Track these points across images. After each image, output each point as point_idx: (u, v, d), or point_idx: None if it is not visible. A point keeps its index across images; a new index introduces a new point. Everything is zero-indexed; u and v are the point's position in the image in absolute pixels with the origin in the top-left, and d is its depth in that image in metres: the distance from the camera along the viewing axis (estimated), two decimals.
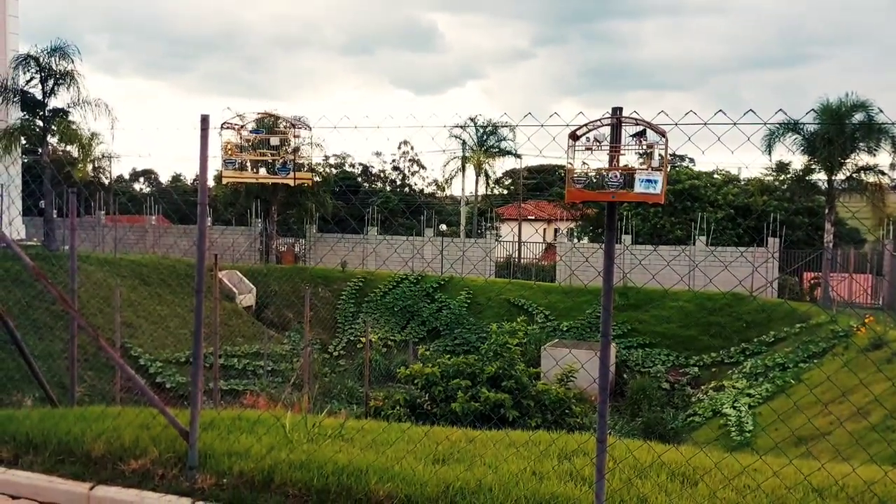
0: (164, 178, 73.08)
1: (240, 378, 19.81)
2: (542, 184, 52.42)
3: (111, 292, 18.23)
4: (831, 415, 12.14)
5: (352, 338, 25.98)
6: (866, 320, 17.93)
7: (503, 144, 41.57)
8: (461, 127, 40.79)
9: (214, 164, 5.09)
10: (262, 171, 5.37)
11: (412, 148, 61.84)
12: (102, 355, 15.73)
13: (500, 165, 45.21)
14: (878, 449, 9.03)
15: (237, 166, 5.05)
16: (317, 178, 36.16)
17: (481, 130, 41.38)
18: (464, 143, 41.61)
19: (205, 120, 4.52)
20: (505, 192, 57.17)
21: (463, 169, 41.91)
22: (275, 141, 4.84)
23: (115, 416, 5.67)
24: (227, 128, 5.00)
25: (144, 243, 34.07)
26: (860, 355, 15.72)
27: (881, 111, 21.01)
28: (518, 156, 41.59)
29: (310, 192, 33.34)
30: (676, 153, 46.34)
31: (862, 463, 5.18)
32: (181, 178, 68.63)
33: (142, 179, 73.17)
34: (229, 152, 4.80)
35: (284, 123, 5.25)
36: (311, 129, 4.93)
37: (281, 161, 4.76)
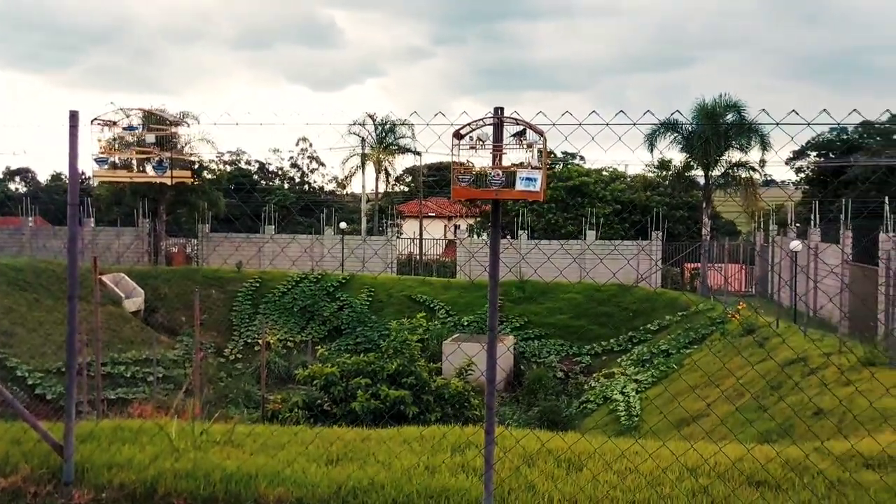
0: (43, 176, 68.45)
1: (129, 386, 18.87)
2: (441, 181, 52.89)
3: None
4: (709, 398, 12.96)
5: (249, 340, 25.27)
6: (739, 307, 19.25)
7: (402, 142, 41.66)
8: (360, 124, 40.54)
9: (90, 163, 4.84)
10: (149, 169, 5.13)
11: (311, 145, 60.80)
12: None
13: (401, 163, 45.26)
14: (749, 428, 9.73)
15: (115, 164, 4.81)
16: (207, 176, 34.89)
17: (380, 128, 41.27)
18: (363, 140, 41.36)
19: (73, 116, 4.28)
20: (406, 189, 57.25)
21: (363, 166, 41.65)
22: (150, 138, 4.64)
23: None
24: (102, 124, 4.75)
25: (18, 245, 31.76)
26: (734, 341, 16.85)
27: (766, 111, 22.55)
28: (417, 153, 41.78)
29: (201, 191, 32.14)
30: (568, 151, 47.93)
31: (729, 441, 5.57)
32: (62, 176, 64.43)
33: (17, 178, 68.17)
34: (102, 150, 4.56)
35: (166, 119, 5.04)
36: (188, 125, 4.76)
37: (157, 159, 4.57)
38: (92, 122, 4.48)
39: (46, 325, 20.52)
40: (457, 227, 48.58)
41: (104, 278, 24.37)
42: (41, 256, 27.95)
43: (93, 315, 9.93)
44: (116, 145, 4.82)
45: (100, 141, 4.57)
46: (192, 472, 4.46)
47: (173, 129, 4.73)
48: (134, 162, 4.96)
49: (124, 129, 4.54)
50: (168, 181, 4.55)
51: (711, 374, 14.52)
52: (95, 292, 9.00)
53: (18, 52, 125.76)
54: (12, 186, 65.68)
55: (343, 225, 36.33)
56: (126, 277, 25.92)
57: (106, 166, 4.61)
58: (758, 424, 10.15)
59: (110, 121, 4.51)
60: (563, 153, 50.39)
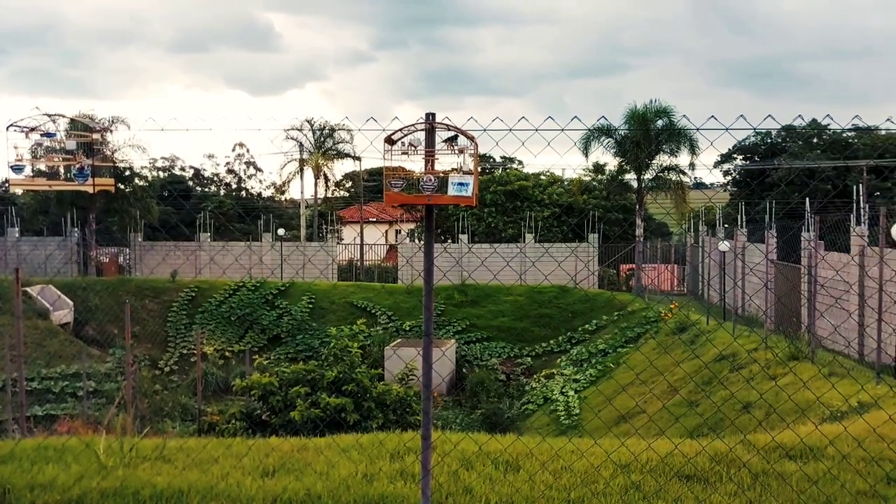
0: None
1: (58, 402, 18.13)
2: (380, 186, 52.64)
3: None
4: (645, 395, 13.30)
5: (185, 351, 24.62)
6: (672, 307, 19.83)
7: (341, 147, 41.30)
8: (297, 129, 40.01)
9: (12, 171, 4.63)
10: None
11: (248, 150, 59.66)
12: None
13: (341, 168, 44.87)
14: (681, 423, 10.02)
15: (39, 171, 4.62)
16: (140, 183, 33.83)
17: (318, 133, 40.83)
18: (301, 145, 40.85)
19: None
20: (346, 194, 56.79)
21: (301, 171, 41.12)
22: (71, 144, 4.47)
23: None
24: (19, 130, 4.55)
25: None
26: (667, 338, 17.35)
27: (687, 117, 23.31)
28: (357, 158, 41.51)
29: (133, 198, 31.14)
30: (507, 156, 48.46)
31: (660, 437, 5.73)
32: None
33: None
34: (17, 157, 4.37)
35: (89, 126, 4.87)
36: (112, 131, 4.62)
37: (77, 166, 4.41)
38: (7, 128, 4.29)
39: None
40: (398, 231, 48.52)
41: (30, 290, 23.32)
42: None
43: (15, 328, 9.48)
44: (37, 152, 4.63)
45: (17, 148, 4.38)
46: (120, 490, 4.32)
47: (97, 136, 4.57)
48: (61, 169, 4.77)
49: (42, 135, 4.36)
50: (90, 189, 4.39)
51: (645, 372, 14.91)
52: (17, 304, 8.59)
53: None
54: None
55: (282, 231, 35.77)
56: (53, 289, 24.88)
57: (23, 174, 4.42)
58: (689, 420, 10.47)
59: (28, 127, 4.33)
60: (501, 157, 50.96)
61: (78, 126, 5.13)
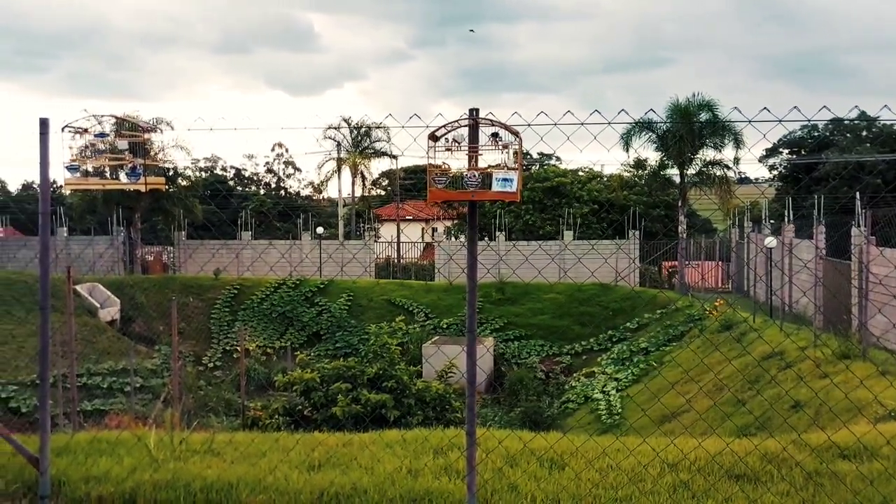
0: (14, 185, 67.26)
1: (106, 397, 18.61)
2: (418, 184, 52.87)
3: None
4: (689, 393, 13.08)
5: (227, 347, 25.05)
6: (717, 304, 19.46)
7: (378, 145, 41.54)
8: (335, 128, 40.36)
9: (61, 171, 4.75)
10: (122, 176, 5.05)
11: (286, 150, 60.44)
12: None
13: (377, 166, 45.15)
14: (729, 422, 9.83)
15: (86, 172, 4.73)
16: (183, 183, 34.52)
17: (355, 132, 41.12)
18: (339, 144, 41.19)
19: (44, 124, 4.21)
20: (382, 192, 57.12)
21: (339, 170, 41.47)
22: (122, 144, 4.58)
23: None
24: (73, 131, 4.68)
25: None
26: (713, 336, 17.03)
27: (738, 109, 22.85)
28: (393, 156, 41.69)
29: (177, 198, 31.80)
30: (544, 152, 48.16)
31: (709, 436, 5.62)
32: (33, 185, 63.37)
33: None
34: (73, 157, 4.49)
35: (138, 126, 4.98)
36: (162, 131, 4.71)
37: (130, 166, 4.51)
38: (63, 129, 4.41)
39: (19, 338, 20.16)
40: (434, 229, 48.59)
41: (78, 288, 23.99)
42: (12, 267, 27.45)
43: (67, 326, 9.77)
44: (88, 153, 4.75)
45: (71, 148, 4.50)
46: (171, 482, 4.40)
47: (146, 136, 4.67)
48: (107, 169, 4.89)
49: (95, 135, 4.47)
50: (142, 188, 4.50)
51: (691, 370, 14.67)
52: (69, 302, 8.85)
53: None
54: None
55: (320, 230, 36.13)
56: (101, 287, 25.55)
57: (77, 174, 4.54)
58: (736, 418, 10.27)
59: (82, 128, 4.45)
60: (539, 154, 50.63)
61: (127, 126, 5.24)
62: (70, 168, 4.49)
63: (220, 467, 4.69)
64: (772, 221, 28.59)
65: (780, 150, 44.74)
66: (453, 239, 37.01)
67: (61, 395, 13.16)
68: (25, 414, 16.62)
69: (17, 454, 4.61)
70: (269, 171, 62.20)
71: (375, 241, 35.14)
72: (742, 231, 28.97)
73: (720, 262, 30.67)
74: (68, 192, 29.81)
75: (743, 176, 30.18)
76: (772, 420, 9.60)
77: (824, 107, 4.02)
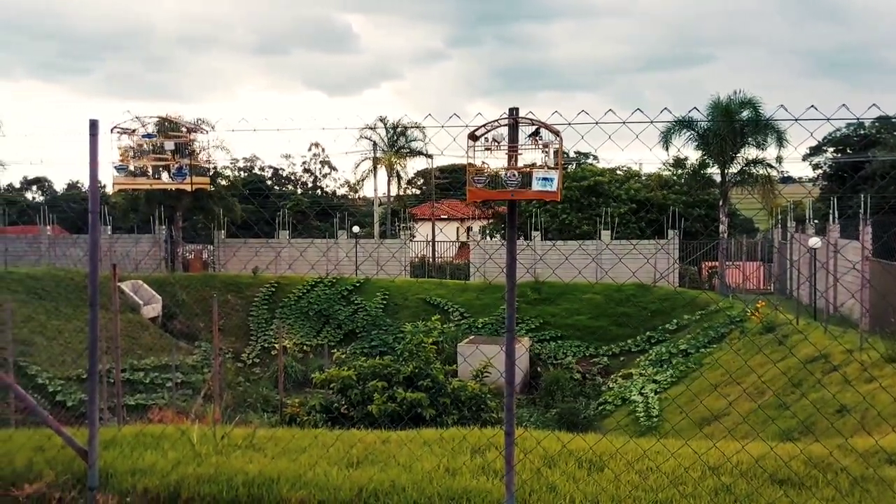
0: (60, 185, 69.23)
1: (147, 392, 19.03)
2: (453, 183, 52.90)
3: (0, 308, 17.10)
4: (730, 396, 12.85)
5: (266, 345, 25.40)
6: (758, 305, 19.07)
7: (413, 145, 41.69)
8: (371, 128, 40.62)
9: (112, 171, 4.88)
10: (164, 176, 5.17)
11: (323, 150, 61.09)
12: None
13: (412, 166, 45.33)
14: (771, 426, 9.64)
15: (131, 172, 4.85)
16: (222, 183, 35.12)
17: (391, 131, 41.34)
18: (374, 144, 41.45)
19: (94, 125, 4.33)
20: (418, 192, 57.33)
21: (374, 170, 41.74)
22: (169, 145, 4.68)
23: (6, 439, 5.36)
24: (121, 132, 4.80)
25: (37, 254, 32.13)
26: (754, 339, 16.70)
27: (784, 107, 22.37)
28: (429, 156, 41.80)
29: (217, 197, 32.37)
30: (582, 151, 47.77)
31: (752, 440, 5.52)
32: (78, 185, 65.20)
33: (34, 188, 69.02)
34: (122, 158, 4.61)
35: (182, 127, 5.08)
36: (206, 132, 4.80)
37: (176, 166, 4.62)
38: (111, 130, 4.53)
39: (66, 334, 20.73)
40: (469, 229, 48.58)
41: (122, 285, 24.57)
42: (60, 265, 28.23)
43: (112, 322, 10.03)
44: (135, 153, 4.86)
45: (119, 149, 4.62)
46: (214, 476, 4.49)
47: (191, 136, 4.77)
48: (149, 169, 5.00)
49: (143, 136, 4.59)
50: (188, 188, 4.59)
51: (731, 372, 14.41)
52: (115, 299, 9.09)
53: (36, 62, 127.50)
54: (29, 196, 66.47)
55: (356, 229, 36.42)
56: (144, 284, 26.14)
57: (125, 174, 4.66)
58: (779, 422, 10.05)
59: (130, 129, 4.56)
60: (576, 153, 50.23)
61: (170, 127, 5.36)
62: (118, 168, 4.61)
63: (261, 462, 4.77)
64: (815, 221, 27.90)
65: (825, 148, 43.67)
66: (488, 238, 36.94)
67: (106, 389, 13.50)
68: (71, 408, 17.09)
69: (66, 447, 4.74)
70: (306, 170, 62.95)
71: (411, 241, 35.28)
72: (785, 231, 28.35)
73: (762, 263, 30.06)
74: (112, 192, 30.55)
75: (786, 175, 29.49)
76: (816, 424, 9.39)
77: (874, 105, 3.93)
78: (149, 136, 4.59)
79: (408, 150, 41.94)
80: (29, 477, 4.63)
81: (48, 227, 35.18)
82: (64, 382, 18.07)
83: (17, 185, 65.81)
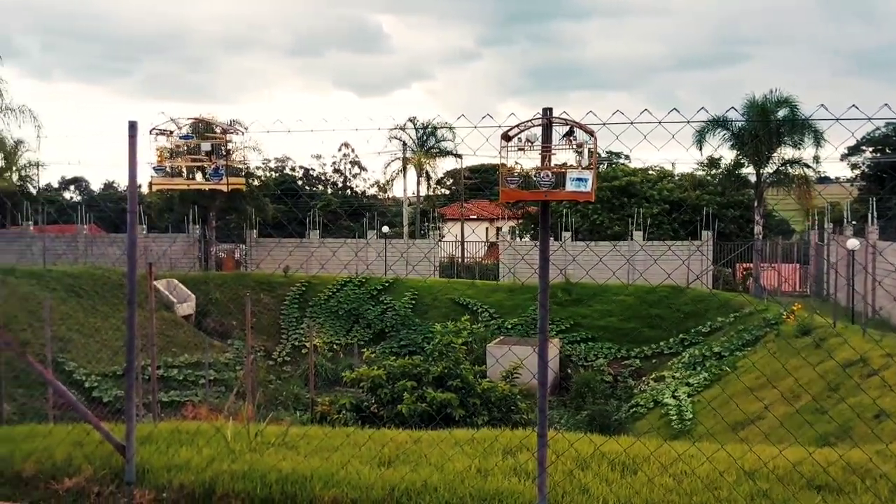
0: (96, 185, 70.73)
1: (181, 389, 19.32)
2: (482, 183, 52.82)
3: (39, 306, 17.52)
4: (765, 400, 12.63)
5: (296, 343, 25.64)
6: (794, 308, 18.70)
7: (443, 145, 41.74)
8: (401, 128, 40.76)
9: (147, 171, 4.97)
10: (199, 176, 5.25)
11: (353, 150, 61.47)
12: (33, 372, 15.11)
13: (442, 166, 45.39)
14: (807, 431, 9.45)
15: (168, 173, 4.94)
16: (255, 183, 35.55)
17: (421, 132, 41.45)
18: (404, 144, 41.60)
19: (133, 126, 4.41)
20: (447, 192, 57.38)
21: (404, 170, 41.89)
22: (206, 146, 4.75)
23: (46, 434, 5.48)
24: (159, 133, 4.88)
25: (75, 253, 32.85)
26: (790, 342, 16.38)
27: (825, 107, 21.94)
28: (458, 156, 41.81)
29: (249, 197, 32.78)
30: (613, 151, 47.36)
31: (789, 445, 5.42)
32: (114, 185, 66.53)
33: (72, 188, 70.59)
34: (159, 159, 4.69)
35: (218, 128, 5.16)
36: (242, 133, 4.86)
37: (213, 167, 4.68)
38: (150, 132, 4.61)
39: (102, 331, 21.15)
40: (498, 229, 48.48)
41: (157, 284, 25.01)
42: (99, 263, 28.80)
43: (148, 320, 10.22)
44: (172, 154, 4.94)
45: (157, 150, 4.70)
46: (248, 473, 4.54)
47: (227, 137, 4.83)
48: (184, 170, 5.08)
49: (181, 137, 4.66)
50: (224, 188, 4.66)
51: (767, 375, 14.15)
52: (151, 298, 9.26)
53: (79, 64, 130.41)
54: (67, 195, 68.00)
55: (386, 229, 36.58)
56: (179, 283, 26.57)
57: (163, 174, 4.74)
58: (816, 427, 9.85)
59: (168, 130, 4.64)
60: (607, 152, 49.80)
61: (205, 129, 5.43)
62: (157, 169, 4.69)
63: (294, 460, 4.81)
64: (853, 223, 27.26)
65: (863, 148, 42.68)
66: (518, 239, 36.82)
67: (141, 386, 13.74)
68: (107, 404, 17.43)
69: (104, 442, 4.84)
70: (336, 170, 63.40)
71: (440, 241, 35.34)
72: (822, 232, 27.78)
73: (798, 265, 29.47)
74: (147, 192, 31.12)
75: (823, 175, 28.88)
76: (854, 429, 9.18)
77: None
78: (187, 136, 4.66)
79: (437, 151, 42.01)
80: (68, 471, 4.73)
81: (85, 227, 35.94)
82: (100, 379, 18.44)
83: (56, 185, 67.39)
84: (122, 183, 64.86)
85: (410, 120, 41.36)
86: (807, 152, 25.60)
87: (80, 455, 4.92)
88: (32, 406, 15.37)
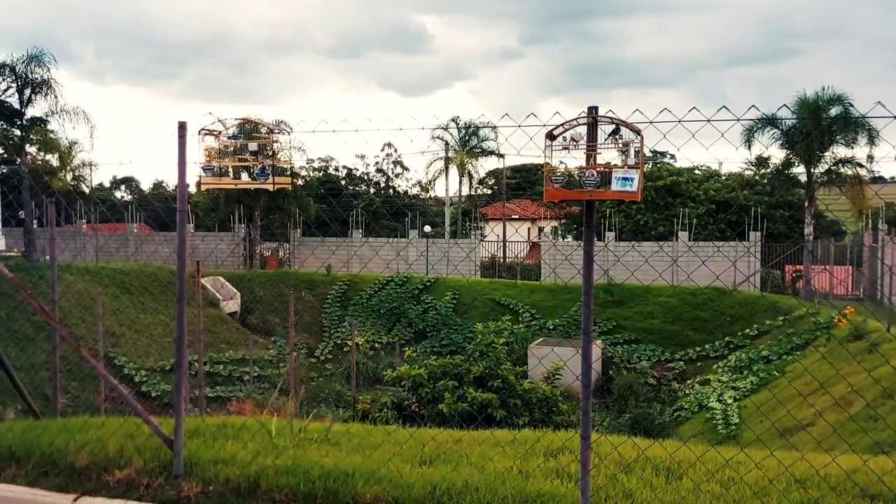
0: (146, 185, 72.59)
1: (226, 385, 19.71)
2: (524, 183, 52.55)
3: (93, 302, 18.07)
4: (815, 406, 12.28)
5: (338, 341, 25.91)
6: (846, 311, 18.14)
7: (486, 144, 41.65)
8: (443, 128, 40.81)
9: (196, 171, 5.08)
10: (244, 176, 5.34)
11: (395, 150, 61.86)
12: (85, 365, 15.58)
13: (484, 165, 45.30)
14: (861, 438, 9.15)
15: (216, 172, 5.03)
16: (299, 182, 36.05)
17: (463, 131, 41.43)
18: (447, 143, 41.65)
19: (182, 127, 4.51)
20: (489, 191, 57.27)
21: (446, 170, 41.94)
22: (253, 146, 4.83)
23: (99, 426, 5.63)
24: (207, 134, 4.98)
25: (126, 251, 33.80)
26: (842, 346, 15.90)
27: (882, 104, 21.24)
28: (501, 155, 41.68)
29: (293, 196, 33.25)
30: (658, 150, 46.63)
31: (843, 452, 5.26)
32: (163, 184, 68.18)
33: (122, 187, 72.61)
34: (208, 158, 4.79)
35: (264, 128, 5.24)
36: (289, 132, 4.92)
37: (259, 166, 4.76)
38: (199, 132, 4.70)
39: (151, 328, 21.71)
40: (541, 229, 48.15)
41: (203, 281, 25.56)
42: (147, 261, 29.56)
43: (196, 317, 10.45)
44: (220, 154, 5.04)
45: (205, 150, 4.80)
46: (291, 468, 4.59)
47: (274, 138, 4.90)
48: (230, 170, 5.17)
49: (229, 138, 4.75)
50: (270, 187, 4.73)
51: (819, 381, 13.76)
52: (198, 295, 9.47)
53: (128, 67, 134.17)
54: (118, 194, 69.94)
55: (427, 228, 36.68)
56: (224, 281, 27.10)
57: (211, 174, 4.84)
58: (870, 434, 9.53)
59: (216, 131, 4.73)
60: (651, 151, 49.04)
61: (251, 129, 5.52)
62: (205, 169, 4.79)
63: (336, 456, 4.85)
64: None
65: None
66: (560, 239, 36.53)
67: (188, 381, 14.06)
68: (154, 398, 17.88)
69: (153, 435, 4.96)
70: (379, 170, 63.87)
71: (481, 241, 35.30)
72: (877, 234, 26.88)
73: (851, 268, 28.58)
74: (195, 191, 31.82)
75: (877, 175, 27.93)
76: None
77: None
78: (234, 137, 4.75)
79: (480, 150, 41.95)
80: (119, 463, 4.86)
81: (135, 225, 36.94)
82: (148, 373, 18.92)
83: (108, 185, 69.40)
84: (171, 183, 66.46)
85: (453, 119, 41.40)
86: (860, 151, 24.77)
87: (131, 447, 5.04)
88: (86, 399, 15.86)
